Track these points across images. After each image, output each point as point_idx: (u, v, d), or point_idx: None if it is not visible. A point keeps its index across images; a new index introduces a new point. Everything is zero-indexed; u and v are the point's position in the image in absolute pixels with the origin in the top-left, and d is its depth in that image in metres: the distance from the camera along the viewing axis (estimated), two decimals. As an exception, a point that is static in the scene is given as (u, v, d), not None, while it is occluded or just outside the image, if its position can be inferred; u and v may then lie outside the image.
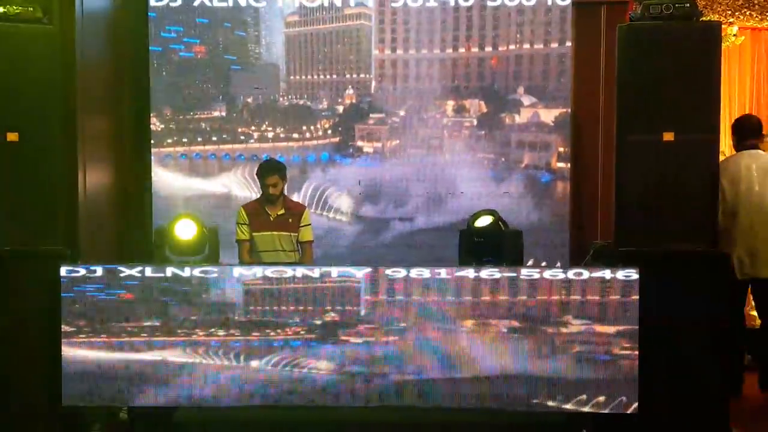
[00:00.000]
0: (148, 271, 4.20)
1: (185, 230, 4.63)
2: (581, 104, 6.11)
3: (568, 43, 5.95)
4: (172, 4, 5.95)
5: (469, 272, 4.21)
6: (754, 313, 5.51)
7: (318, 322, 4.20)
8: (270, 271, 4.22)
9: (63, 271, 4.17)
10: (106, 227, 5.57)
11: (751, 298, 5.44)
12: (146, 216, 5.93)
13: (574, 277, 4.19)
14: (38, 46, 4.32)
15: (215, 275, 4.19)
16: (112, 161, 5.74)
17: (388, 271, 4.22)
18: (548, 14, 5.93)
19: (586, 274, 4.20)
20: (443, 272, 4.22)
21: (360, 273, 4.21)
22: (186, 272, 4.20)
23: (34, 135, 4.32)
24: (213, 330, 4.20)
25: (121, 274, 4.19)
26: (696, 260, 4.36)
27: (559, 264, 5.80)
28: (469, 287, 4.18)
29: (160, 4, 5.93)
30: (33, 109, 4.33)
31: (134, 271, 4.20)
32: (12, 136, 4.27)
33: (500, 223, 4.67)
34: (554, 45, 5.97)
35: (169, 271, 4.21)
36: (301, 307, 4.20)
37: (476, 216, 4.75)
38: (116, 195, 5.76)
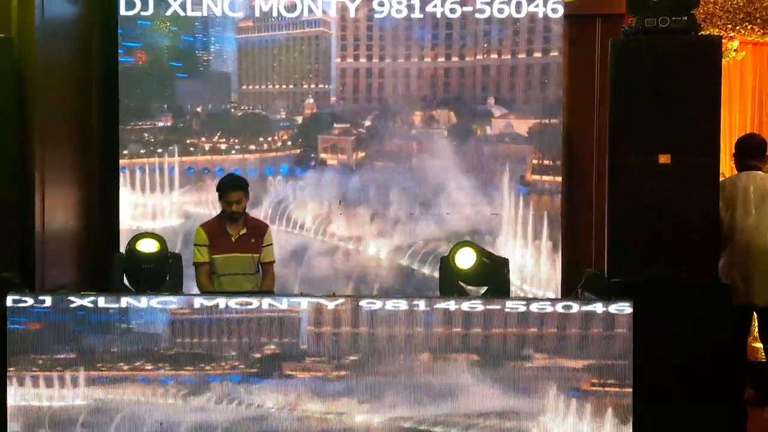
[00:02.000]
0: (101, 302, 3.89)
1: (147, 246, 4.31)
2: (575, 120, 5.86)
3: (554, 53, 5.68)
4: (144, 13, 5.67)
5: (450, 304, 3.91)
6: (757, 345, 5.22)
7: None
8: (233, 302, 3.91)
9: (9, 300, 3.86)
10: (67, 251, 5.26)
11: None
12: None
13: (563, 311, 3.89)
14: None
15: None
16: (75, 178, 5.43)
17: (363, 303, 3.92)
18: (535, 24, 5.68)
19: (576, 307, 3.90)
20: (422, 304, 3.92)
21: (332, 305, 3.90)
22: (142, 302, 3.89)
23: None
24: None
25: (72, 305, 3.87)
26: (694, 290, 4.13)
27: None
28: (451, 319, 3.88)
29: (130, 13, 5.65)
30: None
31: (86, 302, 3.88)
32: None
33: (484, 258, 4.32)
34: (537, 55, 5.71)
35: (125, 301, 3.89)
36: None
37: (457, 248, 4.38)
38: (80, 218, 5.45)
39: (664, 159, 4.12)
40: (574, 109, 5.87)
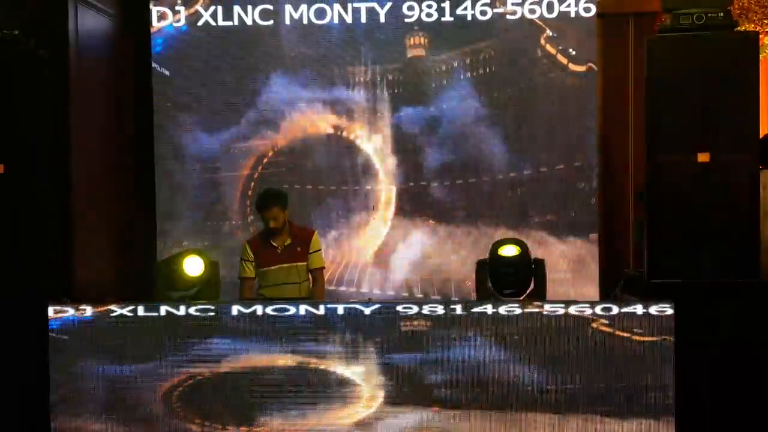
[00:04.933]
0: (141, 311, 3.91)
1: (192, 268, 4.34)
2: (609, 120, 5.77)
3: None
4: (176, 24, 5.71)
5: (488, 308, 3.88)
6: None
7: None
8: (270, 309, 3.91)
9: (50, 310, 3.90)
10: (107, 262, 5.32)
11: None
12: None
13: (602, 313, 3.83)
14: (26, 70, 4.09)
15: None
16: (112, 191, 5.49)
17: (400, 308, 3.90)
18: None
19: (615, 309, 3.83)
20: (459, 308, 3.89)
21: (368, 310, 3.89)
22: (181, 311, 3.91)
23: (22, 166, 4.08)
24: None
25: (112, 314, 3.90)
26: (737, 293, 4.01)
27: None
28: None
29: (162, 24, 5.70)
30: (22, 139, 4.09)
31: (125, 311, 3.91)
32: (-1, 168, 4.05)
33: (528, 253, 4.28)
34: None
35: (163, 309, 3.92)
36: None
37: (500, 245, 4.37)
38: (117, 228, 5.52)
39: (702, 158, 4.04)
40: (608, 109, 5.79)
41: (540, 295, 4.27)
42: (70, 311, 3.90)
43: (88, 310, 3.91)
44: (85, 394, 3.91)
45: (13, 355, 4.08)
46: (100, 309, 3.90)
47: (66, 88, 4.47)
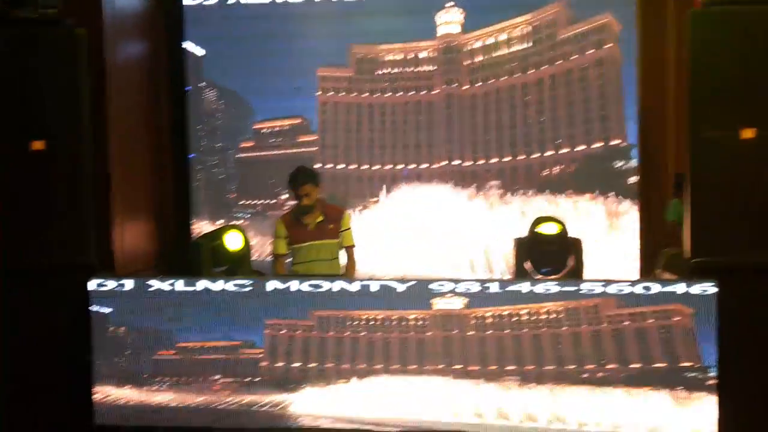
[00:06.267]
0: (179, 285, 3.95)
1: (233, 242, 4.41)
2: (649, 96, 5.65)
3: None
4: (206, 3, 5.71)
5: (524, 286, 3.84)
6: None
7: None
8: (306, 285, 3.92)
9: (92, 284, 3.96)
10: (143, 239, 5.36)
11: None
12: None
13: (642, 292, 3.77)
14: (65, 49, 4.10)
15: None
16: (148, 170, 5.53)
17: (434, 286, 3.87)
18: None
19: (656, 287, 3.77)
20: (494, 286, 3.86)
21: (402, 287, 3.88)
22: (218, 285, 3.94)
23: (62, 143, 4.11)
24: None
25: (151, 288, 3.94)
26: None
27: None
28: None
29: (193, 2, 5.69)
30: (61, 116, 4.11)
31: (165, 285, 3.95)
32: (38, 145, 4.06)
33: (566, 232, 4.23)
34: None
35: (201, 284, 3.94)
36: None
37: (539, 222, 4.32)
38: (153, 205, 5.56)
39: (747, 134, 3.94)
40: (647, 84, 5.67)
41: (577, 273, 4.24)
42: (111, 285, 3.96)
43: (128, 284, 3.96)
44: (126, 365, 3.98)
45: (56, 329, 4.14)
46: (140, 283, 3.96)
47: (103, 66, 4.48)
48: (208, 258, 4.31)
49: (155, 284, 3.96)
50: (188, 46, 5.74)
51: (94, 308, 3.95)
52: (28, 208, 4.12)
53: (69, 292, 4.08)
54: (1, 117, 4.09)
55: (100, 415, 3.97)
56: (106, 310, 3.97)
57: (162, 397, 3.96)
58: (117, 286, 3.97)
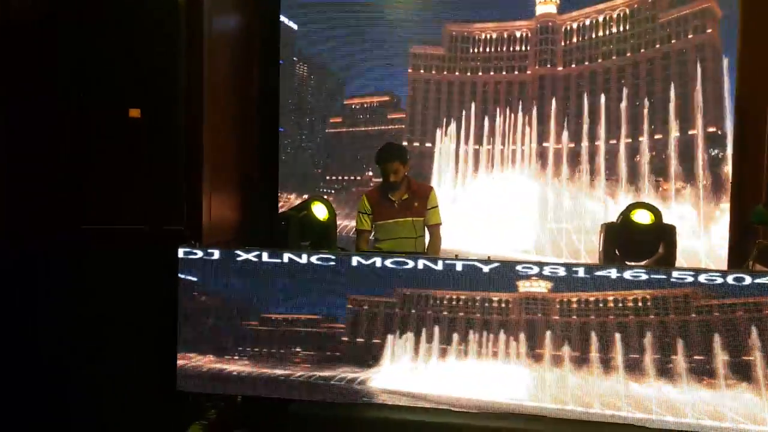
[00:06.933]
0: (265, 256, 4.00)
1: (320, 212, 4.45)
2: (746, 84, 5.42)
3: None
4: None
5: (612, 272, 3.75)
6: None
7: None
8: (389, 261, 3.92)
9: (180, 252, 4.05)
10: (230, 209, 5.46)
11: None
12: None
13: (734, 283, 3.64)
14: (164, 19, 4.20)
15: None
16: (238, 141, 5.61)
17: (520, 268, 3.82)
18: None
19: (748, 279, 3.63)
20: (581, 270, 3.78)
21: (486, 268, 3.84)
22: (303, 258, 3.98)
23: (157, 112, 4.21)
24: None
25: (238, 258, 4.02)
26: None
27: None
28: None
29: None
30: (158, 85, 4.22)
31: (251, 256, 4.01)
32: (134, 113, 4.18)
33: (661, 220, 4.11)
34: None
35: (286, 257, 3.99)
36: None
37: (632, 208, 4.20)
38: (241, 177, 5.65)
39: None
40: (745, 71, 5.44)
41: (669, 261, 4.12)
42: (199, 254, 4.04)
43: (216, 254, 4.04)
44: (209, 334, 4.05)
45: (145, 295, 4.26)
46: (228, 253, 4.01)
47: (200, 37, 4.55)
48: (296, 231, 4.35)
49: (242, 255, 4.04)
50: (283, 20, 5.78)
51: (182, 275, 4.05)
52: (124, 175, 4.25)
53: (159, 259, 4.19)
54: (101, 85, 4.22)
55: (181, 381, 4.04)
56: (193, 278, 4.05)
57: (242, 366, 4.01)
58: (205, 255, 4.06)
